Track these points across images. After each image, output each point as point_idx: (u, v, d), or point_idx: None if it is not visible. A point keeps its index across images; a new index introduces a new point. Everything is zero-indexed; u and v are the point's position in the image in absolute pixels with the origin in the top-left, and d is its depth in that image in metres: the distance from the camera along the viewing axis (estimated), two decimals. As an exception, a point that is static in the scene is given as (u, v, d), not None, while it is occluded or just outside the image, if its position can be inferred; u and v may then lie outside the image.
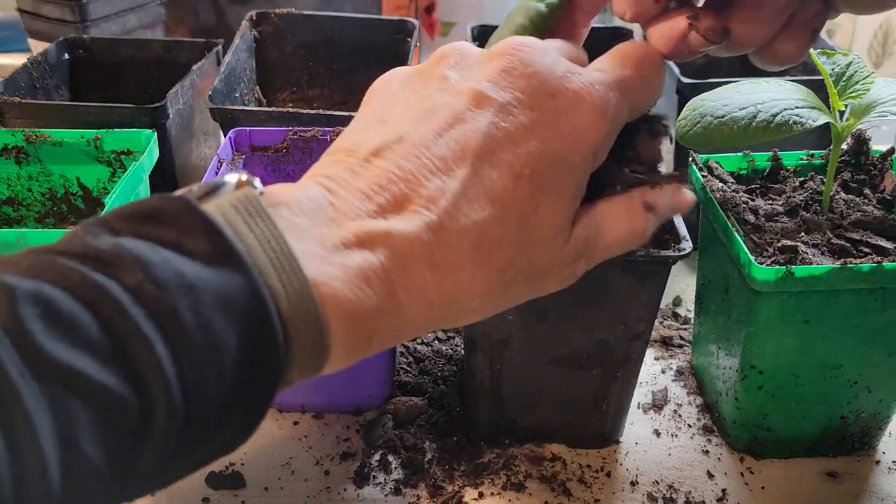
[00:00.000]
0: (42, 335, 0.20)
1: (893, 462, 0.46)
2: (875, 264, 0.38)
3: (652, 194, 0.32)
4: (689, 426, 0.48)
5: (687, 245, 0.39)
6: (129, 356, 0.21)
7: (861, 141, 0.47)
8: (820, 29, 0.32)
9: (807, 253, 0.40)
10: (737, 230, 0.41)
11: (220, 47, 0.66)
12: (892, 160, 0.46)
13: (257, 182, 0.27)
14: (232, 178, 0.27)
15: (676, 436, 0.47)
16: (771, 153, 0.48)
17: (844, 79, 0.41)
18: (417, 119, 0.29)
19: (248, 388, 0.24)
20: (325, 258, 0.25)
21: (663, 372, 0.52)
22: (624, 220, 0.32)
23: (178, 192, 0.26)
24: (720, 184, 0.45)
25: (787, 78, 0.44)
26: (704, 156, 0.48)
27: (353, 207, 0.27)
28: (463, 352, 0.50)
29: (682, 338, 0.55)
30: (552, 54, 0.31)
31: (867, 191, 0.45)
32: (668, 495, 0.44)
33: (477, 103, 0.29)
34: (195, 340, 0.22)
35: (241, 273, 0.23)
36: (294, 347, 0.25)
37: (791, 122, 0.39)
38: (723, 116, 0.39)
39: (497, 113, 0.29)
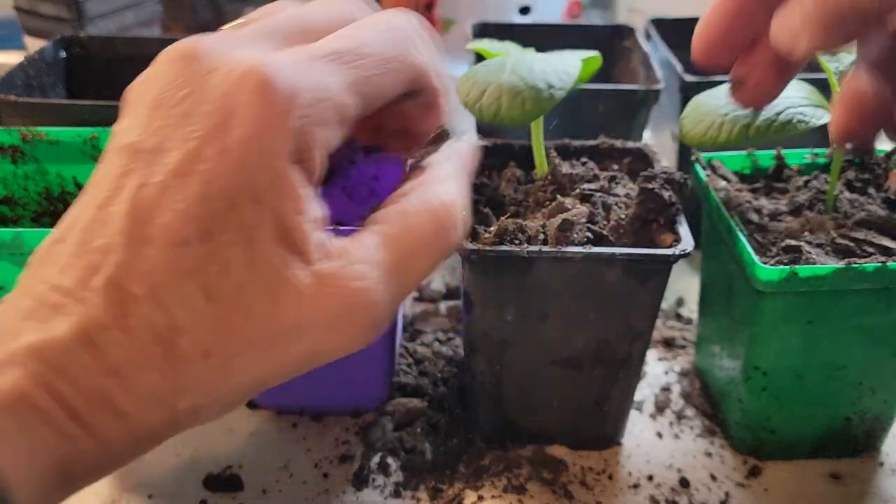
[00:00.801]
0: None
1: (898, 464, 0.46)
2: (879, 264, 0.38)
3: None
4: (692, 428, 0.48)
5: (688, 244, 0.38)
6: None
7: (865, 140, 0.47)
8: None
9: (811, 253, 0.39)
10: (740, 230, 0.41)
11: (218, 45, 0.66)
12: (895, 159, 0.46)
13: None
14: None
15: (679, 437, 0.47)
16: (775, 152, 0.48)
17: None
18: None
19: None
20: None
21: (666, 373, 0.52)
22: None
23: None
24: (723, 183, 0.45)
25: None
26: (707, 154, 0.47)
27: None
28: (463, 353, 0.50)
29: (684, 339, 0.55)
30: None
31: (871, 190, 0.45)
32: (670, 498, 0.43)
33: None
34: None
35: None
36: None
37: (795, 120, 0.39)
38: (726, 115, 0.39)
39: None
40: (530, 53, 0.40)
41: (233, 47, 0.24)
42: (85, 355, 0.21)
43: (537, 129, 0.42)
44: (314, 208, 0.24)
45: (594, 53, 0.42)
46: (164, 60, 0.24)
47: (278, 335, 0.23)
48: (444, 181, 0.28)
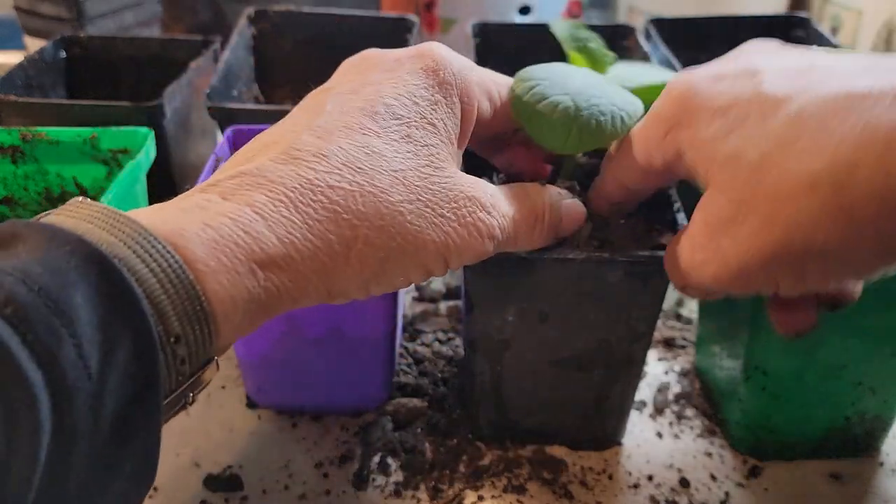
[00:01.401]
0: None
1: (898, 464, 0.46)
2: (880, 265, 0.38)
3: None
4: (692, 428, 0.48)
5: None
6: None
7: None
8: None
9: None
10: (740, 230, 0.41)
11: (217, 45, 0.65)
12: None
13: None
14: None
15: (679, 438, 0.47)
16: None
17: None
18: None
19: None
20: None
21: (666, 373, 0.52)
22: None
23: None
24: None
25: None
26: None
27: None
28: (463, 353, 0.50)
29: (684, 339, 0.55)
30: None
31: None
32: (670, 498, 0.43)
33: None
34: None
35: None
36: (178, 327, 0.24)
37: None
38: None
39: None
40: (595, 76, 0.38)
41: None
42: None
43: (570, 159, 0.41)
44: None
45: (664, 78, 0.38)
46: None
47: (428, 192, 0.30)
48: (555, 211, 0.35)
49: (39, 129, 0.51)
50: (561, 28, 0.41)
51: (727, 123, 0.28)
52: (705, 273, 0.30)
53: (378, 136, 0.30)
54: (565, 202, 0.36)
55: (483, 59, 0.59)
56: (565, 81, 0.36)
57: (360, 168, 0.29)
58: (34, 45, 0.73)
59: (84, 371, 0.21)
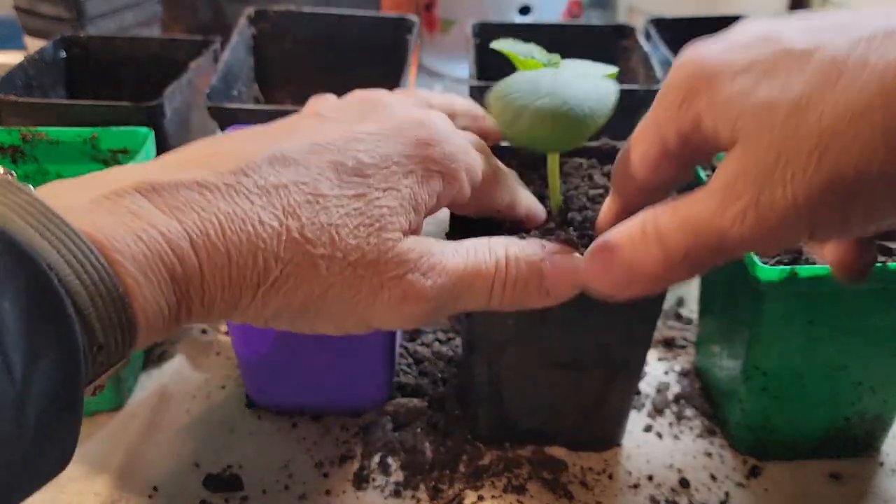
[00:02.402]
0: None
1: (898, 464, 0.46)
2: (880, 264, 0.38)
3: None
4: (692, 428, 0.48)
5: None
6: None
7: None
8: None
9: (811, 253, 0.39)
10: (740, 230, 0.40)
11: (217, 45, 0.65)
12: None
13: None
14: None
15: (679, 438, 0.47)
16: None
17: None
18: None
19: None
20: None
21: (666, 373, 0.52)
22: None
23: None
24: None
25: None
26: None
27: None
28: (462, 354, 0.50)
29: (685, 339, 0.55)
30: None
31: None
32: (670, 498, 0.43)
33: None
34: None
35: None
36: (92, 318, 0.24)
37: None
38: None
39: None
40: (563, 73, 0.38)
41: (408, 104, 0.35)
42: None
43: (553, 161, 0.41)
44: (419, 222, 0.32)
45: (613, 69, 0.42)
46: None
47: (357, 254, 0.30)
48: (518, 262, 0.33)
49: (39, 129, 0.51)
50: (503, 45, 0.42)
51: (753, 78, 0.27)
52: (741, 228, 0.27)
53: (332, 187, 0.30)
54: (553, 256, 0.33)
55: (483, 59, 0.59)
56: (537, 87, 0.36)
57: (296, 214, 0.29)
58: (34, 45, 0.73)
59: (7, 377, 0.21)
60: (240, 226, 0.28)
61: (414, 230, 0.32)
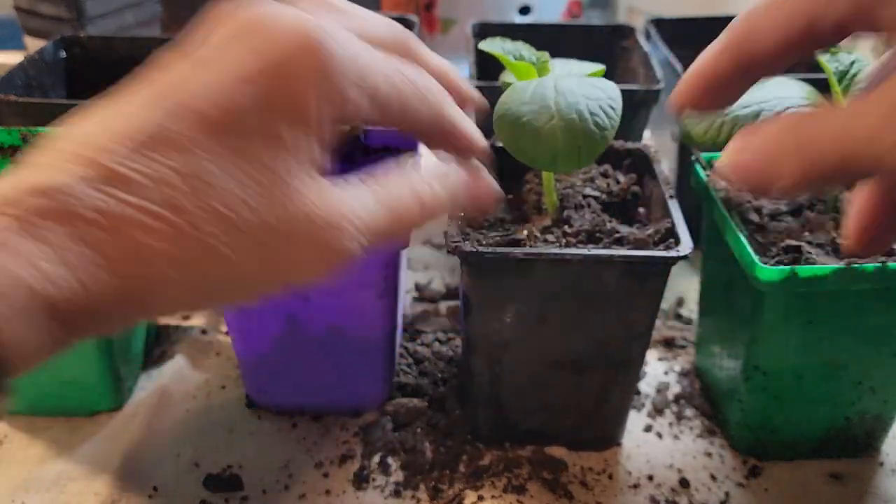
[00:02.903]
0: None
1: (898, 464, 0.46)
2: (879, 264, 0.38)
3: None
4: (692, 428, 0.48)
5: (687, 246, 0.38)
6: None
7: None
8: None
9: (811, 253, 0.39)
10: (740, 230, 0.41)
11: (217, 45, 0.65)
12: None
13: None
14: None
15: (679, 438, 0.47)
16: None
17: (848, 77, 0.41)
18: None
19: None
20: None
21: (666, 373, 0.52)
22: None
23: None
24: (723, 182, 0.45)
25: (791, 76, 0.44)
26: (707, 154, 0.47)
27: None
28: (462, 353, 0.50)
29: (685, 339, 0.55)
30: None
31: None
32: (670, 498, 0.43)
33: None
34: None
35: None
36: None
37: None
38: (726, 115, 0.39)
39: None
40: (563, 81, 0.38)
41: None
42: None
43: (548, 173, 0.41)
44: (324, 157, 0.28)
45: (599, 67, 0.42)
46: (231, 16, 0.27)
47: (262, 230, 0.26)
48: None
49: (39, 129, 0.51)
50: (491, 46, 0.42)
51: None
52: None
53: (212, 158, 0.25)
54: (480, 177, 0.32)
55: (483, 59, 0.59)
56: (544, 102, 0.36)
57: (181, 208, 0.24)
58: (34, 45, 0.73)
59: None
60: (114, 232, 0.24)
61: (319, 170, 0.28)
